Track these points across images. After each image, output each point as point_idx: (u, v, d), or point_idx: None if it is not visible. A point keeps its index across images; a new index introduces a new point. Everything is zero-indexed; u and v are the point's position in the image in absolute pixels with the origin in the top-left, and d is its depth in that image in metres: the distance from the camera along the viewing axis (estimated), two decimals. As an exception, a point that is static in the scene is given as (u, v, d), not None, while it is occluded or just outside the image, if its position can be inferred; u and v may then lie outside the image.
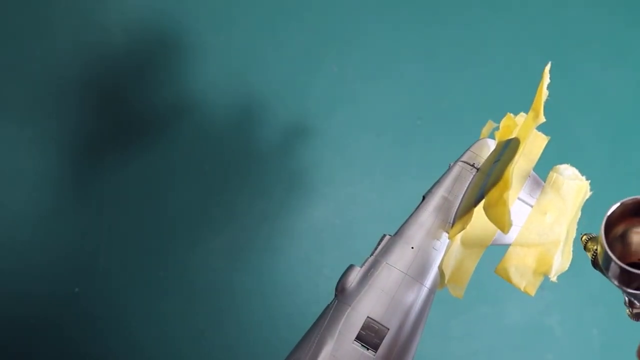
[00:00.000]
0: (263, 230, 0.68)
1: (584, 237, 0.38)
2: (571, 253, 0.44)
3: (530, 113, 0.38)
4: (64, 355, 0.66)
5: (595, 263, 0.36)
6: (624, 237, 0.34)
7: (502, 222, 0.36)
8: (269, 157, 0.70)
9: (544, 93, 0.38)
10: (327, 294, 0.67)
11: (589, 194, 0.45)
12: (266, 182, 0.69)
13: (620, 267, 0.31)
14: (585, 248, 0.37)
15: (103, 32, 0.71)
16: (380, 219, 0.69)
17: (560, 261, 0.43)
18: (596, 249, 0.36)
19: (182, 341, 0.67)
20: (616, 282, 0.33)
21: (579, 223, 0.45)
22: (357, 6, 0.73)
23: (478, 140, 0.45)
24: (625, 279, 0.32)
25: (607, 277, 0.34)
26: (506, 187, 0.35)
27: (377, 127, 0.71)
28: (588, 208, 0.67)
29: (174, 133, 0.70)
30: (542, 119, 0.37)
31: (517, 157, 0.35)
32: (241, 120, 0.70)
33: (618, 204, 0.32)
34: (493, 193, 0.36)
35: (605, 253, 0.32)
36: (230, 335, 0.67)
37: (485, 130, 0.49)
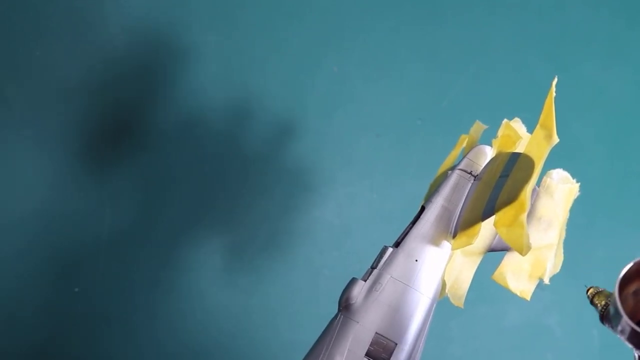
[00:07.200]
0: (263, 230, 0.69)
1: (591, 290, 0.37)
2: (562, 255, 0.44)
3: (540, 130, 0.38)
4: (63, 355, 0.66)
5: (603, 318, 0.35)
6: (637, 293, 0.33)
7: (519, 244, 0.36)
8: (269, 158, 0.70)
9: (553, 109, 0.38)
10: (327, 294, 0.68)
11: (577, 194, 0.45)
12: (266, 183, 0.69)
13: (632, 329, 0.31)
14: (592, 303, 0.36)
15: (103, 31, 0.71)
16: (380, 219, 0.69)
17: (553, 263, 0.44)
18: (604, 304, 0.35)
19: (182, 341, 0.67)
20: (628, 344, 0.32)
21: (568, 223, 0.45)
22: (357, 6, 0.73)
23: (474, 147, 0.45)
24: (636, 341, 0.32)
25: (617, 334, 0.33)
26: (522, 209, 0.35)
27: (377, 127, 0.71)
28: (588, 209, 0.67)
29: (173, 133, 0.70)
30: (556, 139, 0.37)
31: (533, 179, 0.35)
32: (241, 121, 0.70)
33: (632, 264, 0.32)
34: (507, 212, 0.36)
35: (617, 312, 0.31)
36: (230, 335, 0.67)
37: (474, 131, 0.49)
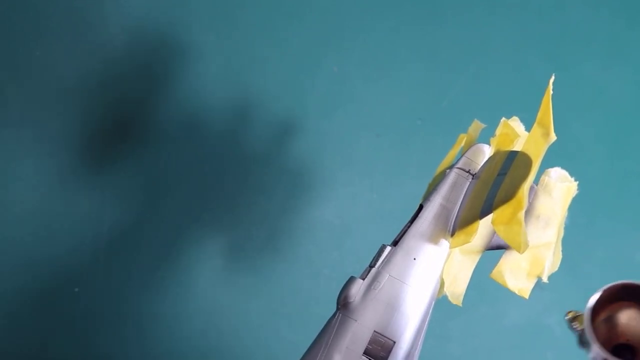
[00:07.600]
0: (263, 230, 0.69)
1: (570, 314, 0.36)
2: (561, 253, 0.44)
3: (538, 128, 0.38)
4: (64, 355, 0.66)
5: (581, 343, 0.35)
6: (610, 320, 0.33)
7: (517, 241, 0.36)
8: (269, 158, 0.70)
9: (550, 107, 0.38)
10: (327, 294, 0.68)
11: (576, 193, 0.45)
12: (266, 183, 0.69)
13: (604, 358, 0.30)
14: (570, 327, 0.36)
15: (103, 31, 0.71)
16: (380, 219, 0.69)
17: (552, 262, 0.44)
18: (582, 329, 0.35)
19: (182, 341, 0.67)
20: None
21: (567, 223, 0.45)
22: (357, 6, 0.73)
23: (473, 146, 0.45)
24: None
25: None
26: (520, 207, 0.35)
27: (377, 127, 0.71)
28: (588, 209, 0.67)
29: (173, 133, 0.70)
30: (554, 137, 0.37)
31: (530, 176, 0.35)
32: (241, 121, 0.70)
33: (600, 292, 0.32)
34: (505, 210, 0.36)
35: (588, 340, 0.31)
36: (229, 335, 0.67)
37: (472, 130, 0.49)
